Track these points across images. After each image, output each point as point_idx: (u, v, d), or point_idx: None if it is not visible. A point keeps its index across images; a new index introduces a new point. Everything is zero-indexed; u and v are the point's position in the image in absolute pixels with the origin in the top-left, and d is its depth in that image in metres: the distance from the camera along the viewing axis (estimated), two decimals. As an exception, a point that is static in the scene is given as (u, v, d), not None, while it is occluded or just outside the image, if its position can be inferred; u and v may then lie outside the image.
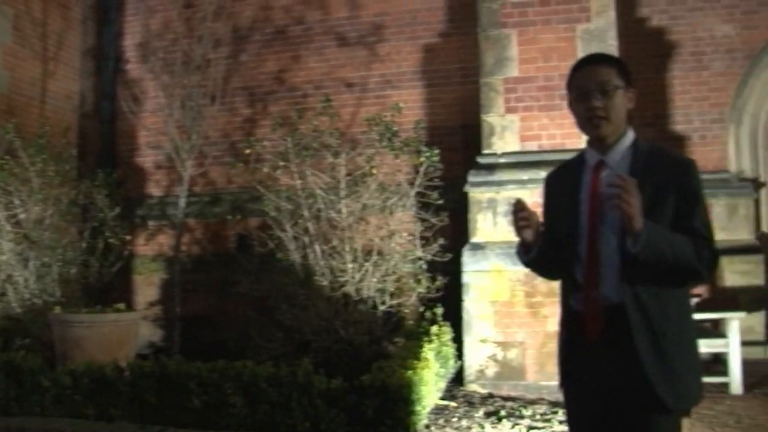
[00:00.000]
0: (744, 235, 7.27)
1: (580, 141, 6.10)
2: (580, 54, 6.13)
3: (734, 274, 7.15)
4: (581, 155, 2.49)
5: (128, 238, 7.68)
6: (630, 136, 2.37)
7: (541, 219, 2.45)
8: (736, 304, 6.96)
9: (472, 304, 6.07)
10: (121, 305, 6.10)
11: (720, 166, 7.41)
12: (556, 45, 6.28)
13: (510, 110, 6.33)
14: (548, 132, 6.24)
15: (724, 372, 5.86)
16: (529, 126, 6.28)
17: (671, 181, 2.24)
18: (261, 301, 6.70)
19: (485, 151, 6.34)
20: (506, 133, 6.32)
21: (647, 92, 7.54)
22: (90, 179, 7.54)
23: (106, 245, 7.54)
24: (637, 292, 2.18)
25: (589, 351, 2.28)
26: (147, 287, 8.58)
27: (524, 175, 6.13)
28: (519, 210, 2.35)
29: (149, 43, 8.97)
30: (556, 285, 6.04)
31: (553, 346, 5.85)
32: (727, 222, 7.27)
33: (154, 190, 8.91)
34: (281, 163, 6.34)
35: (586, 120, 2.35)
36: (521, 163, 6.20)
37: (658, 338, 2.16)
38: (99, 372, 4.74)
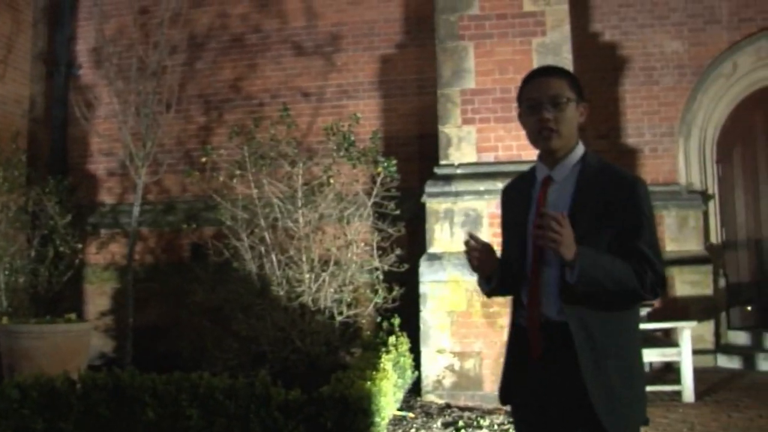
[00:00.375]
0: (694, 246, 7.45)
1: (535, 153, 6.25)
2: (536, 66, 6.25)
3: (684, 284, 7.32)
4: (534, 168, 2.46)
5: (80, 246, 7.52)
6: (579, 150, 2.32)
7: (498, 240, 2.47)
8: (686, 314, 7.14)
9: (429, 315, 6.09)
10: (72, 315, 5.96)
11: (670, 178, 7.59)
12: (512, 58, 6.36)
13: (467, 121, 6.38)
14: (504, 143, 6.31)
15: (676, 380, 5.98)
16: (485, 137, 6.34)
17: (617, 199, 2.18)
18: (216, 311, 6.62)
19: (442, 162, 6.39)
20: (463, 144, 6.38)
21: (600, 105, 7.72)
22: (40, 186, 7.37)
23: (56, 254, 7.38)
24: (580, 311, 2.14)
25: (533, 368, 2.23)
26: (98, 297, 8.40)
27: (481, 186, 6.19)
28: (471, 245, 2.32)
29: (103, 49, 8.83)
30: (512, 295, 6.13)
31: (509, 356, 5.95)
32: (678, 233, 7.44)
33: (107, 198, 8.74)
34: (237, 172, 6.29)
35: (537, 132, 2.30)
36: (478, 174, 6.25)
37: (601, 358, 2.12)
38: (49, 384, 4.60)
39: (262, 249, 6.14)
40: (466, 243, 2.33)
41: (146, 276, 8.28)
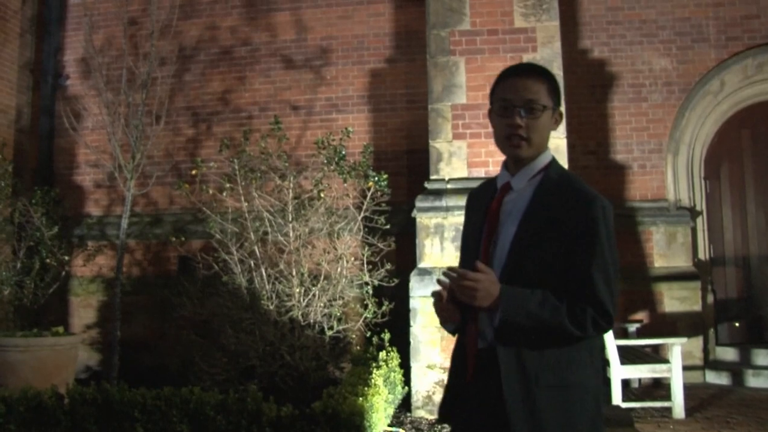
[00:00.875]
0: (682, 262, 7.48)
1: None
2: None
3: (673, 300, 7.34)
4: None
5: (66, 258, 7.43)
6: (545, 159, 2.17)
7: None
8: (675, 330, 7.17)
9: (419, 330, 6.07)
10: (60, 328, 5.88)
11: (659, 194, 7.63)
12: (503, 73, 6.37)
13: (458, 136, 6.39)
14: (495, 159, 6.30)
15: (666, 397, 5.98)
16: (476, 152, 6.35)
17: (571, 216, 2.04)
18: (204, 325, 6.56)
19: (433, 177, 6.38)
20: (454, 159, 6.38)
21: (589, 121, 7.79)
22: (26, 197, 7.29)
23: (42, 265, 7.29)
24: (515, 341, 2.02)
25: (468, 391, 2.13)
26: (84, 309, 8.31)
27: (472, 200, 6.17)
28: (438, 303, 2.17)
29: (92, 59, 8.79)
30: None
31: (499, 372, 5.93)
32: (666, 249, 7.48)
33: (93, 210, 8.67)
34: (228, 185, 6.25)
35: (505, 138, 2.14)
36: (469, 189, 6.23)
37: (531, 387, 1.98)
38: (36, 399, 4.53)
39: (252, 263, 6.09)
40: (436, 293, 2.18)
41: (133, 289, 8.21)
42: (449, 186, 6.33)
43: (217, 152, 6.63)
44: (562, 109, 2.26)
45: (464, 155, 6.38)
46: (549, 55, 6.39)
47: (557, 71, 6.35)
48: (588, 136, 7.67)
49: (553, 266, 2.02)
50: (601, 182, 7.44)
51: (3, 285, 7.05)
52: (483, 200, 2.26)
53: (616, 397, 5.88)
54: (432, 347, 6.07)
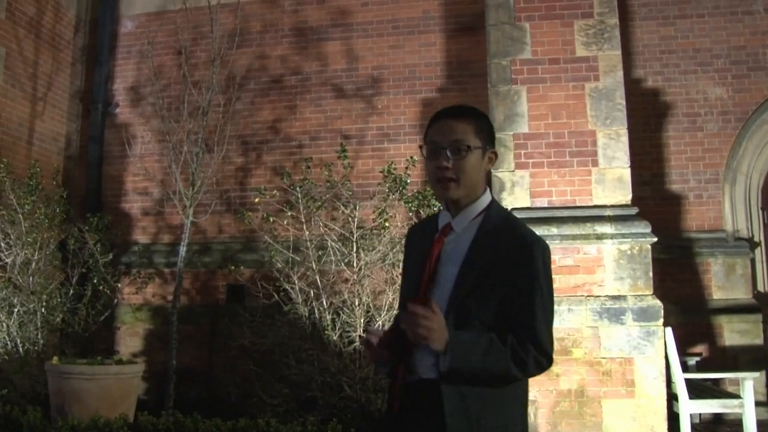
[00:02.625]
0: (741, 294, 7.35)
1: (591, 198, 6.20)
2: (590, 113, 6.26)
3: (733, 333, 7.20)
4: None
5: (119, 285, 7.39)
6: (484, 200, 2.19)
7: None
8: (735, 364, 7.01)
9: (483, 361, 5.95)
10: (123, 356, 5.81)
11: (716, 225, 7.52)
12: (565, 102, 6.34)
13: (520, 166, 6.33)
14: (558, 188, 6.25)
15: (738, 433, 5.83)
16: (539, 182, 6.28)
17: (511, 259, 2.06)
18: (262, 355, 6.48)
19: (495, 206, 6.30)
20: (516, 188, 6.31)
21: (643, 152, 7.70)
22: (80, 223, 7.28)
23: (93, 292, 7.25)
24: (459, 378, 2.01)
25: (397, 423, 2.13)
26: (130, 338, 8.26)
27: (536, 231, 6.08)
28: (370, 348, 2.17)
29: (140, 88, 8.86)
30: (569, 342, 5.99)
31: (567, 405, 5.81)
32: (725, 281, 7.36)
33: (140, 237, 8.66)
34: (289, 213, 6.21)
35: (436, 180, 2.16)
36: (532, 219, 6.17)
37: (473, 427, 1.99)
38: (105, 427, 4.48)
39: (312, 292, 6.03)
40: (365, 340, 2.19)
41: (180, 317, 8.11)
42: (512, 215, 6.24)
43: (283, 179, 6.56)
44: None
45: (527, 185, 6.31)
46: (611, 84, 6.34)
47: (620, 101, 6.31)
48: (643, 166, 7.58)
49: (495, 308, 2.03)
50: (656, 213, 7.33)
51: (55, 311, 7.01)
52: (423, 238, 2.26)
53: (686, 433, 5.74)
54: (496, 379, 5.95)
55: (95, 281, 7.20)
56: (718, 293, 7.32)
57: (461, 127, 2.14)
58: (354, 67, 8.41)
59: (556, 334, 6.02)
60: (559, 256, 6.06)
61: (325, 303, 5.96)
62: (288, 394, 5.90)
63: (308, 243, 6.05)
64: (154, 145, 8.66)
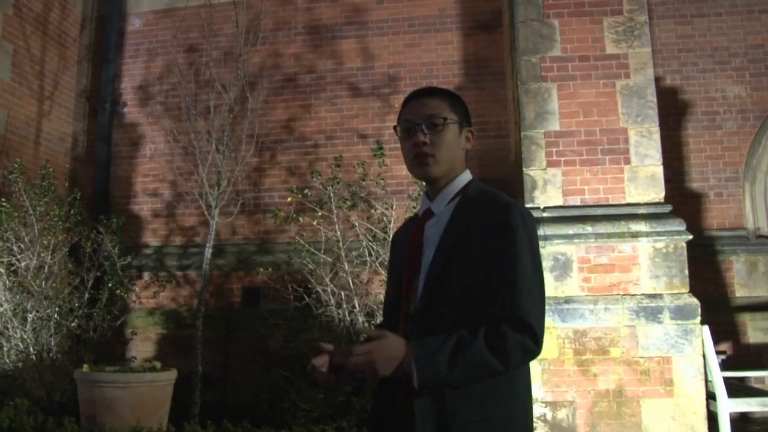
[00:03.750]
0: (764, 291, 7.36)
1: (624, 196, 6.15)
2: (622, 110, 6.21)
3: (757, 331, 7.20)
4: None
5: (136, 289, 7.20)
6: (463, 179, 2.09)
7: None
8: (759, 362, 7.01)
9: (519, 362, 5.87)
10: (157, 364, 5.63)
11: (737, 223, 7.53)
12: (596, 100, 6.29)
13: (552, 164, 6.27)
14: (591, 186, 6.20)
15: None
16: (571, 180, 6.22)
17: (487, 225, 1.91)
18: (288, 360, 6.34)
19: (528, 205, 6.24)
20: (548, 186, 6.25)
21: (663, 150, 7.65)
22: (94, 225, 7.08)
23: (109, 296, 7.05)
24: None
25: (395, 421, 1.96)
26: (143, 343, 8.05)
27: (570, 229, 6.04)
28: (315, 373, 1.99)
29: (149, 87, 8.67)
30: (606, 342, 5.91)
31: (606, 405, 5.75)
32: (747, 279, 7.36)
33: (151, 240, 8.46)
34: (319, 213, 6.09)
35: (413, 158, 2.05)
36: (565, 217, 6.12)
37: (449, 422, 1.83)
38: (150, 438, 4.31)
39: (343, 294, 5.91)
40: (311, 366, 1.99)
41: (193, 321, 7.99)
42: (545, 215, 6.18)
43: (313, 178, 6.43)
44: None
45: (559, 183, 6.25)
46: (642, 81, 6.31)
47: (651, 98, 6.28)
48: (663, 165, 7.55)
49: (474, 286, 1.87)
50: (677, 211, 7.26)
51: (69, 317, 6.81)
52: (407, 233, 2.18)
53: (724, 432, 5.71)
54: (533, 381, 5.86)
55: (111, 285, 7.00)
56: (740, 291, 7.33)
57: (435, 102, 2.08)
58: (370, 65, 8.30)
59: (593, 334, 5.96)
60: (594, 254, 6.01)
61: (357, 305, 5.84)
62: (321, 399, 5.77)
63: (339, 243, 5.92)
64: (165, 146, 8.47)
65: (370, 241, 5.78)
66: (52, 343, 6.68)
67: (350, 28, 8.39)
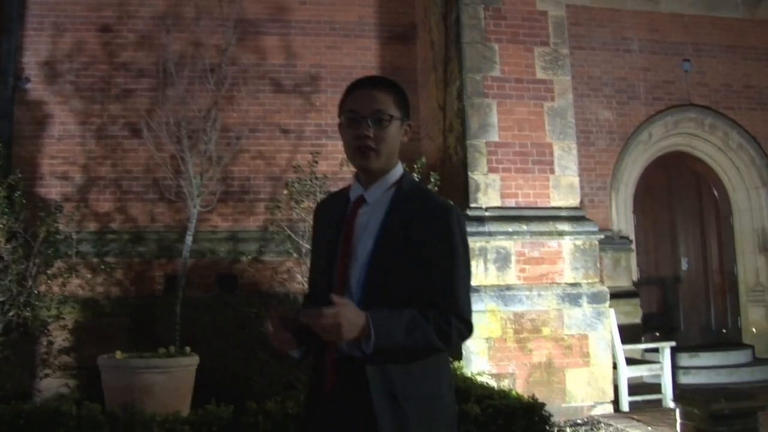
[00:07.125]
0: (625, 282, 8.94)
1: (549, 200, 7.28)
2: (548, 127, 7.32)
3: (620, 314, 8.69)
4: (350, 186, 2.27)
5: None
6: (397, 172, 2.18)
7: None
8: (621, 340, 8.52)
9: (470, 342, 6.74)
10: (187, 348, 5.62)
11: (605, 226, 9.02)
12: (528, 117, 7.35)
13: (492, 170, 7.21)
14: (523, 191, 7.24)
15: (654, 391, 7.30)
16: (508, 185, 7.22)
17: (427, 227, 2.05)
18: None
19: (473, 205, 7.12)
20: (489, 189, 7.18)
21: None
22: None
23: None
24: (383, 355, 1.96)
25: (328, 403, 2.06)
26: (57, 331, 7.70)
27: (509, 227, 7.03)
28: (275, 336, 2.07)
29: (57, 64, 8.29)
30: (539, 322, 6.98)
31: (539, 375, 6.81)
32: (613, 272, 8.90)
33: (61, 225, 8.06)
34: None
35: (355, 149, 2.11)
36: (504, 216, 7.10)
37: (399, 400, 1.97)
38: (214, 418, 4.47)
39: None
40: (266, 329, 2.10)
41: (113, 310, 7.86)
42: (488, 213, 7.11)
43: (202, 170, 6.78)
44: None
45: (498, 187, 7.21)
46: (564, 104, 7.48)
47: (571, 119, 7.47)
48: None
49: (414, 279, 2.02)
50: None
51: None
52: (333, 212, 2.24)
53: (624, 394, 7.05)
54: (481, 356, 6.78)
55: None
56: (608, 282, 8.79)
57: (382, 97, 2.12)
58: (292, 63, 8.66)
59: (528, 316, 7.02)
60: (528, 249, 7.07)
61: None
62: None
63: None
64: (75, 127, 8.17)
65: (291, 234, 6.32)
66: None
67: (273, 25, 8.68)
